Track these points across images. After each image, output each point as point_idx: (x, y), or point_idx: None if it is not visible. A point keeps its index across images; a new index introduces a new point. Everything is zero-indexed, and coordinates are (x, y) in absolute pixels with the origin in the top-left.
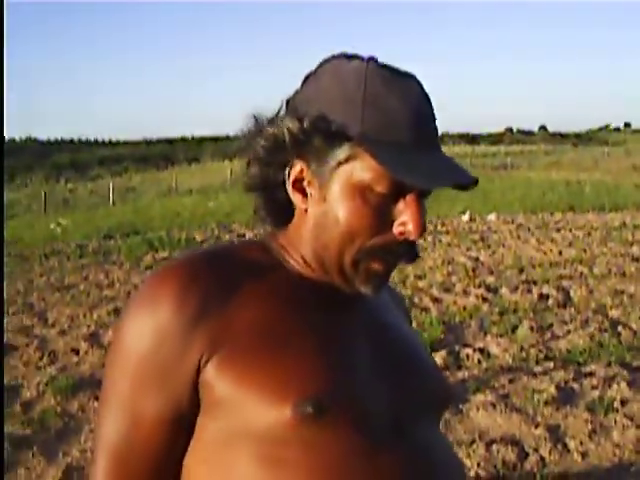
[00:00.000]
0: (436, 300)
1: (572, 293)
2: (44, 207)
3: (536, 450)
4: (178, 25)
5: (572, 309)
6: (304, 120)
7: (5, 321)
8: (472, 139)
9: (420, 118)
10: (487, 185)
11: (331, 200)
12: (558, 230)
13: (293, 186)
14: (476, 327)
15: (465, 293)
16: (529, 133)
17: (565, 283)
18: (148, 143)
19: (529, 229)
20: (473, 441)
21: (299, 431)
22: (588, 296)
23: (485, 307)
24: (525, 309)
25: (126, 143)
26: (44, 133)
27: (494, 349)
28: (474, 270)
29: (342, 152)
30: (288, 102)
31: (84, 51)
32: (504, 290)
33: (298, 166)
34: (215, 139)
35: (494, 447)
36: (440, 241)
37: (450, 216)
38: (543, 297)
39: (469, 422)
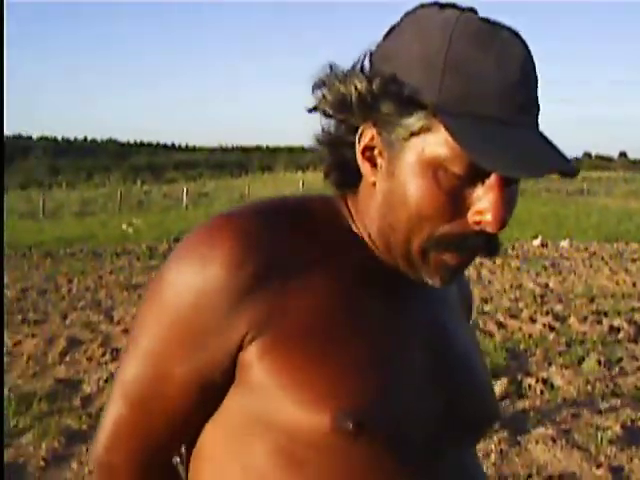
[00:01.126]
0: (501, 325)
1: None
2: (119, 207)
3: None
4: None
5: None
6: (374, 81)
7: (72, 315)
8: None
9: (515, 89)
10: (561, 210)
11: (399, 176)
12: (633, 261)
13: (362, 154)
14: (541, 356)
15: (532, 320)
16: (608, 159)
17: (637, 316)
18: (224, 150)
19: (602, 258)
20: (530, 476)
21: (330, 440)
22: None
23: (552, 336)
24: (594, 341)
25: (202, 149)
26: (124, 135)
27: (558, 381)
28: (542, 297)
29: (415, 121)
30: (371, 55)
31: (172, 55)
32: (572, 320)
33: (369, 132)
34: (290, 149)
35: None
36: (509, 265)
37: (521, 240)
38: (613, 329)
39: (527, 455)
